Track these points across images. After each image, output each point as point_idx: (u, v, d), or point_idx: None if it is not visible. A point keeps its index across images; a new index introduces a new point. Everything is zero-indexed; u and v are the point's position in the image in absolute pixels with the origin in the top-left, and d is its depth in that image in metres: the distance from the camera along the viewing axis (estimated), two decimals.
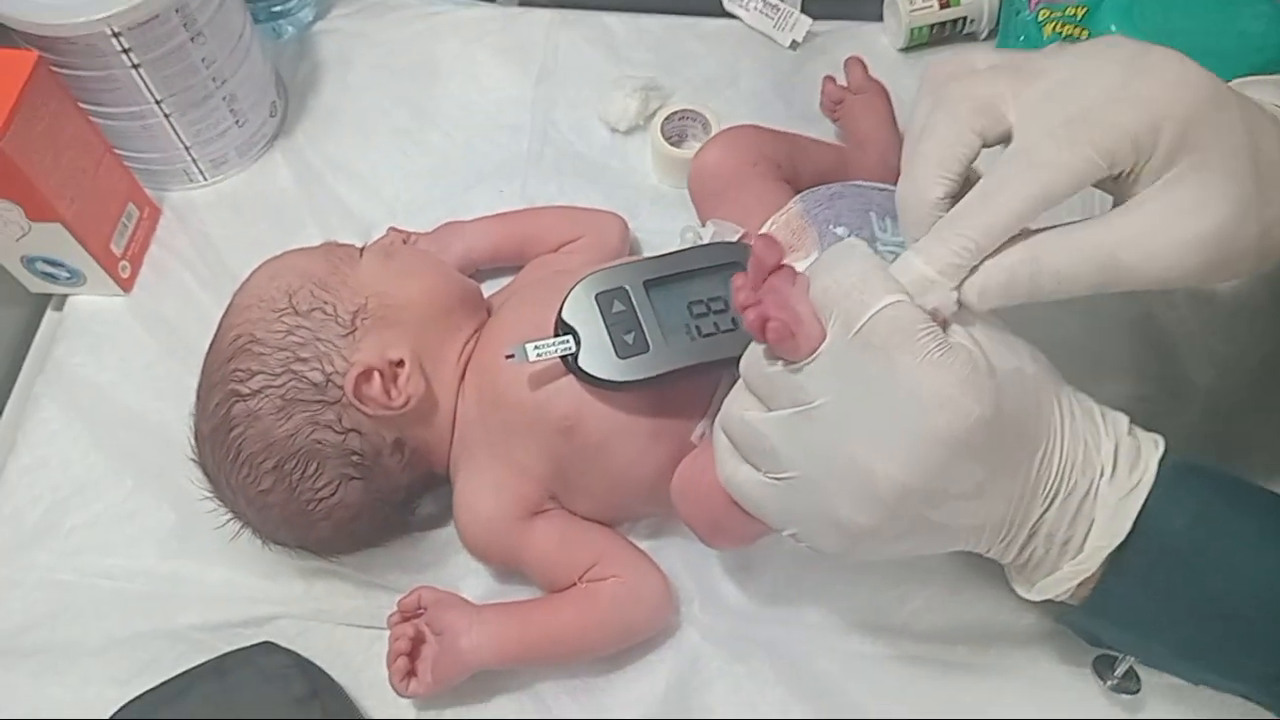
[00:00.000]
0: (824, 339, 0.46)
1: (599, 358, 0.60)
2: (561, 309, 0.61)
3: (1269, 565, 0.50)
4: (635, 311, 0.61)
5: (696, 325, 0.61)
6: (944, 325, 0.47)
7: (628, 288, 0.61)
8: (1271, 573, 0.50)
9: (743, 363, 0.51)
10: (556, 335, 0.60)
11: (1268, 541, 0.50)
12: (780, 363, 0.48)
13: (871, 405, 0.45)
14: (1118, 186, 0.49)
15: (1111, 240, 0.47)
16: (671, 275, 0.62)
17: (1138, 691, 0.60)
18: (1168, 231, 0.46)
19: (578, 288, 0.61)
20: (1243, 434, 0.70)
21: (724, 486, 0.52)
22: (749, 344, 0.50)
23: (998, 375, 0.45)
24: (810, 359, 0.46)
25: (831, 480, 0.47)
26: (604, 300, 0.61)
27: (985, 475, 0.47)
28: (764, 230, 0.67)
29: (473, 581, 0.67)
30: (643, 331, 0.60)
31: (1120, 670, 0.60)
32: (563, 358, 0.60)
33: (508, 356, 0.59)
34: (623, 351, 0.60)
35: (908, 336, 0.45)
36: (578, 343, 0.60)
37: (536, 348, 0.59)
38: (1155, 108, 0.46)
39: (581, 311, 0.61)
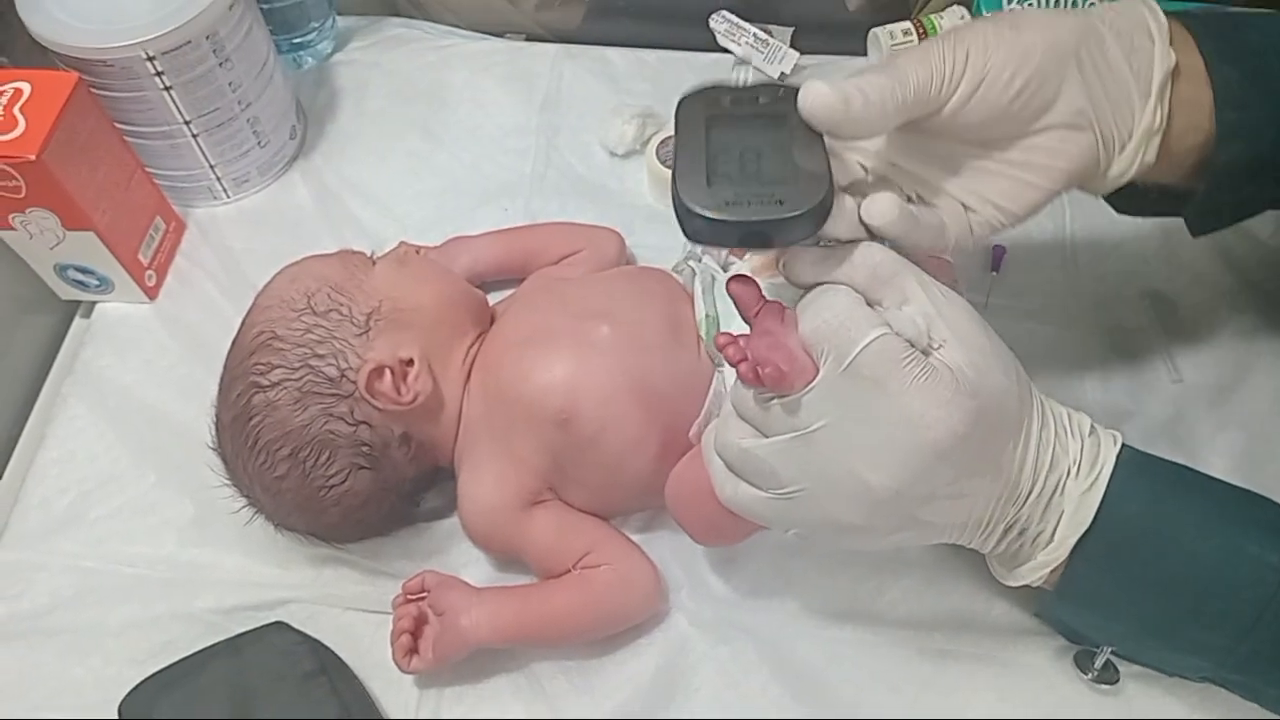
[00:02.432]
0: (816, 372, 0.50)
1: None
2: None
3: (1216, 544, 0.54)
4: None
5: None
6: (925, 350, 0.51)
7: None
8: (1219, 550, 0.53)
9: (733, 396, 0.55)
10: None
11: (1213, 522, 0.54)
12: (775, 396, 0.52)
13: (866, 426, 0.50)
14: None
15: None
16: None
17: (1117, 681, 0.64)
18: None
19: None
20: (1202, 434, 0.75)
21: (726, 505, 0.56)
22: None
23: (977, 393, 0.50)
24: (805, 391, 0.50)
25: (830, 492, 0.51)
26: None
27: (968, 479, 0.52)
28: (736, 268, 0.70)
29: (474, 569, 0.70)
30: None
31: (1099, 662, 0.63)
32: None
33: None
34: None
35: (895, 365, 0.49)
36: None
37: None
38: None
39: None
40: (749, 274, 0.58)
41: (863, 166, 0.57)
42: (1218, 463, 0.73)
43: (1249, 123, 0.56)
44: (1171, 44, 0.55)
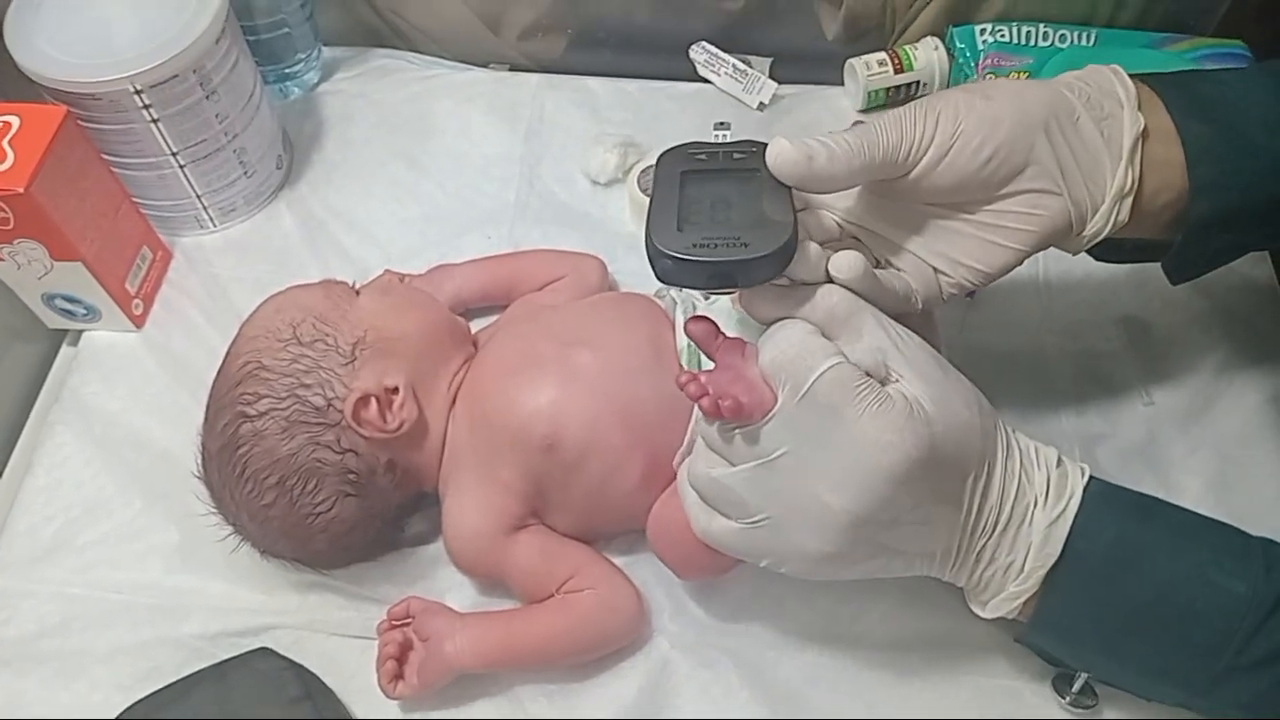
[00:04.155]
0: (775, 402, 0.52)
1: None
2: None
3: (1184, 573, 0.55)
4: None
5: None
6: (883, 381, 0.53)
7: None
8: (1187, 579, 0.55)
9: (700, 429, 0.57)
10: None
11: (1181, 551, 0.56)
12: (738, 426, 0.54)
13: (824, 452, 0.52)
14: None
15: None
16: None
17: (1094, 705, 0.65)
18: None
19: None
20: (1174, 456, 0.76)
21: (701, 538, 0.58)
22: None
23: (932, 421, 0.51)
24: (765, 420, 0.52)
25: (796, 518, 0.53)
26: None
27: (929, 504, 0.53)
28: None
29: (458, 594, 0.71)
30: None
31: (1077, 686, 0.64)
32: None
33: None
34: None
35: (849, 393, 0.51)
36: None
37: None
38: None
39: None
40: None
41: (838, 224, 0.60)
42: (1191, 484, 0.74)
43: (1221, 177, 0.58)
44: (1140, 107, 0.57)
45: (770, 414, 0.52)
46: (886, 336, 0.54)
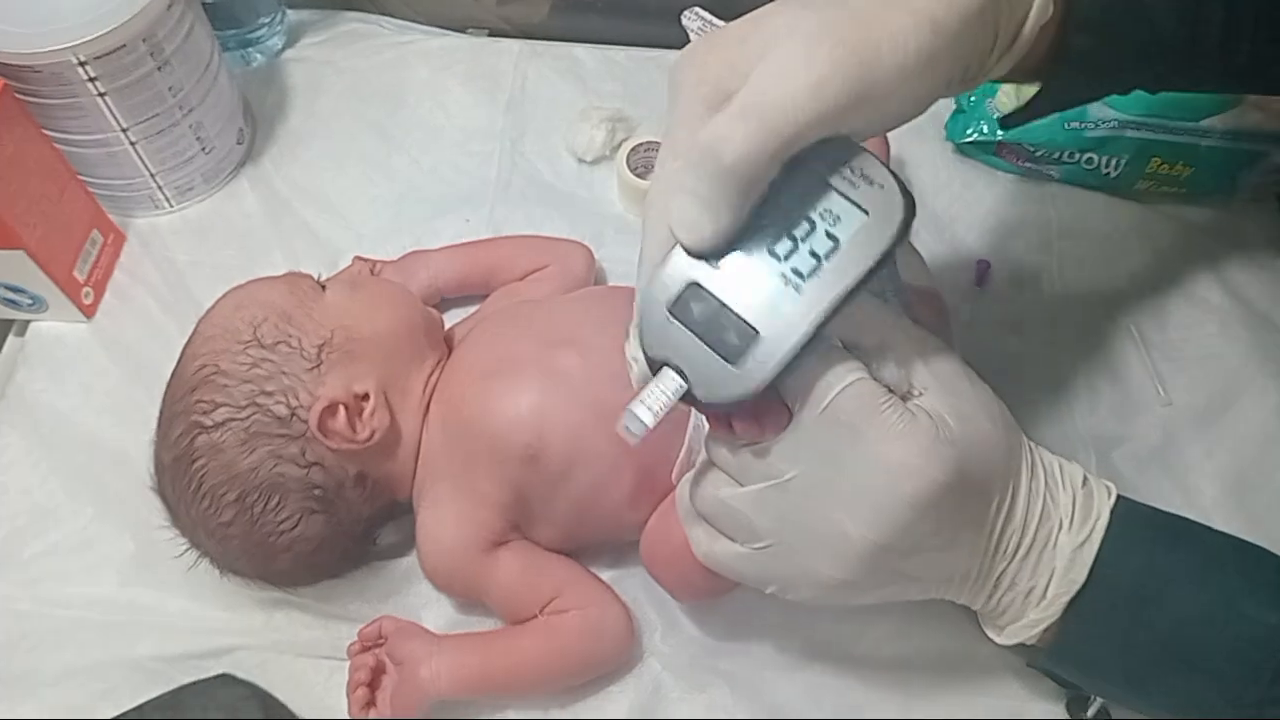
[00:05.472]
0: (789, 418, 0.48)
1: (713, 378, 0.46)
2: (643, 347, 0.47)
3: (1211, 601, 0.52)
4: (718, 299, 0.46)
5: (793, 269, 0.46)
6: (905, 397, 0.49)
7: (697, 280, 0.46)
8: (1214, 608, 0.52)
9: (707, 445, 0.52)
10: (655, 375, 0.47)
11: (1212, 579, 0.52)
12: (749, 443, 0.49)
13: (842, 474, 0.47)
14: None
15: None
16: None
17: None
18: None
19: (644, 312, 0.47)
20: (1192, 459, 0.73)
21: (702, 562, 0.54)
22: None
23: (958, 441, 0.47)
24: (778, 438, 0.48)
25: (809, 544, 0.49)
26: (680, 311, 0.46)
27: (951, 531, 0.49)
28: None
29: (434, 611, 0.67)
30: (740, 317, 0.46)
31: (1092, 711, 0.62)
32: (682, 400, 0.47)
33: (628, 431, 0.46)
34: (733, 355, 0.45)
35: (872, 411, 0.47)
36: (681, 375, 0.46)
37: (647, 407, 0.46)
38: None
39: (665, 337, 0.46)
40: None
41: None
42: (1208, 489, 0.72)
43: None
44: None
45: (784, 430, 0.48)
46: (909, 344, 0.50)
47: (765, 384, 0.45)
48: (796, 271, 0.45)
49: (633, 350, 0.49)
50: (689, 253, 0.46)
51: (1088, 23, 0.54)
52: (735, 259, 0.46)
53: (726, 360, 0.45)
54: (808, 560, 0.50)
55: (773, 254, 0.46)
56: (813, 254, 0.45)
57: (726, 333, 0.45)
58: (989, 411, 0.50)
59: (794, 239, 0.46)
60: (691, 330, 0.46)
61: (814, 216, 0.46)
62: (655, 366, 0.47)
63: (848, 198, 0.46)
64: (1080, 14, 0.53)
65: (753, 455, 0.49)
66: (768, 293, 0.45)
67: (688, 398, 0.46)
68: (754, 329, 0.45)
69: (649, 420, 0.46)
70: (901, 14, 0.44)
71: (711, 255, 0.46)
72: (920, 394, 0.49)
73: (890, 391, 0.48)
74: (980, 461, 0.49)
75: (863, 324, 0.49)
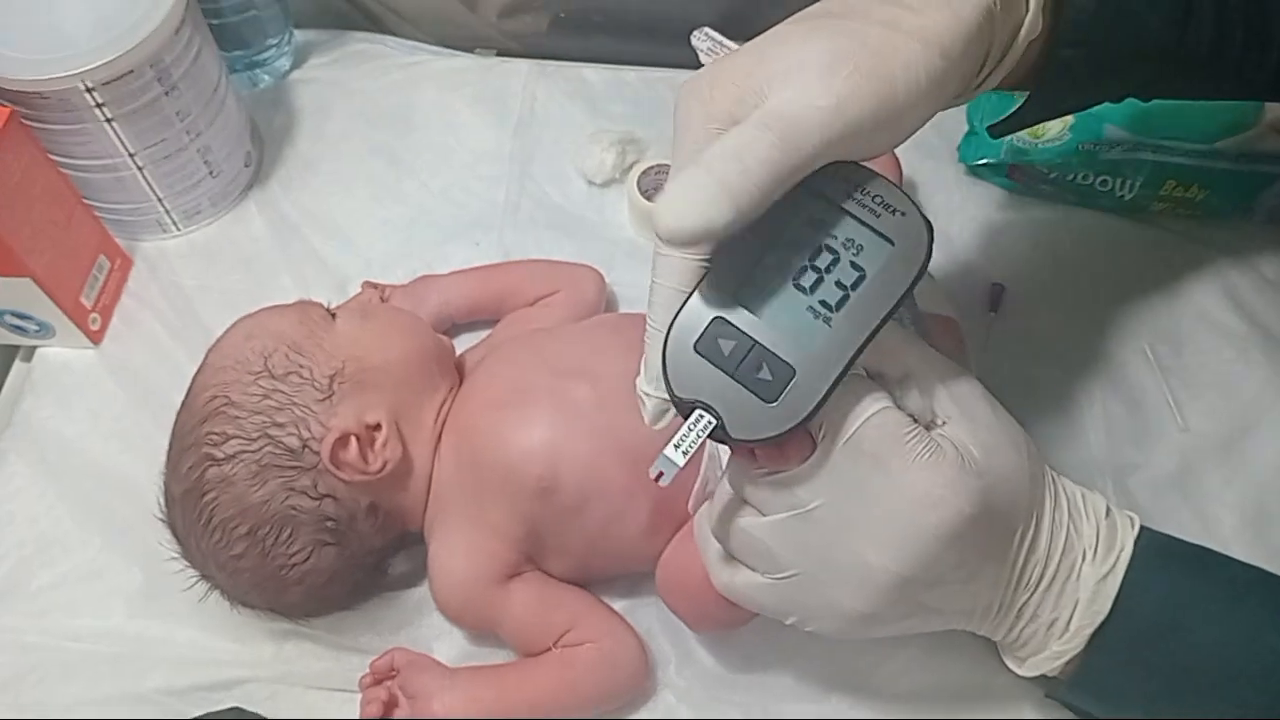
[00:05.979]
0: (813, 447, 0.47)
1: (748, 416, 0.45)
2: (670, 387, 0.45)
3: (1235, 633, 0.51)
4: (750, 336, 0.45)
5: (821, 301, 0.45)
6: (929, 426, 0.48)
7: (722, 315, 0.45)
8: (1237, 639, 0.51)
9: (730, 474, 0.51)
10: (685, 417, 0.45)
11: (1232, 610, 0.52)
12: (771, 471, 0.48)
13: (866, 505, 0.47)
14: None
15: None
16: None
17: None
18: None
19: (670, 351, 0.45)
20: (1211, 487, 0.72)
21: (722, 592, 0.53)
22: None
23: (984, 473, 0.47)
24: (801, 467, 0.47)
25: (831, 575, 0.49)
26: (708, 349, 0.45)
27: (975, 563, 0.49)
28: None
29: (446, 643, 0.66)
30: (774, 354, 0.44)
31: None
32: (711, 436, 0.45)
33: (656, 478, 0.45)
34: (769, 393, 0.44)
35: (896, 441, 0.46)
36: (713, 413, 0.45)
37: (679, 447, 0.45)
38: None
39: (693, 376, 0.45)
40: None
41: None
42: (1227, 518, 0.71)
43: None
44: None
45: (808, 459, 0.47)
46: (933, 372, 0.49)
47: (804, 421, 0.44)
48: (825, 304, 0.45)
49: (644, 385, 0.48)
50: (706, 290, 0.45)
51: (1076, 34, 0.54)
52: (759, 293, 0.45)
53: (762, 399, 0.44)
54: (830, 591, 0.49)
55: (798, 287, 0.45)
56: (839, 285, 0.45)
57: (760, 370, 0.44)
58: (1014, 441, 0.50)
59: (817, 270, 0.45)
60: (721, 369, 0.44)
61: (835, 246, 0.45)
62: (685, 408, 0.45)
63: (870, 226, 0.45)
64: (1068, 25, 0.53)
65: (775, 485, 0.48)
66: (797, 327, 0.44)
67: (716, 432, 0.45)
68: (791, 365, 0.44)
69: (681, 463, 0.45)
70: (912, 41, 0.44)
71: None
72: (944, 423, 0.48)
73: (915, 421, 0.48)
74: (1005, 493, 0.48)
75: (886, 352, 0.49)
